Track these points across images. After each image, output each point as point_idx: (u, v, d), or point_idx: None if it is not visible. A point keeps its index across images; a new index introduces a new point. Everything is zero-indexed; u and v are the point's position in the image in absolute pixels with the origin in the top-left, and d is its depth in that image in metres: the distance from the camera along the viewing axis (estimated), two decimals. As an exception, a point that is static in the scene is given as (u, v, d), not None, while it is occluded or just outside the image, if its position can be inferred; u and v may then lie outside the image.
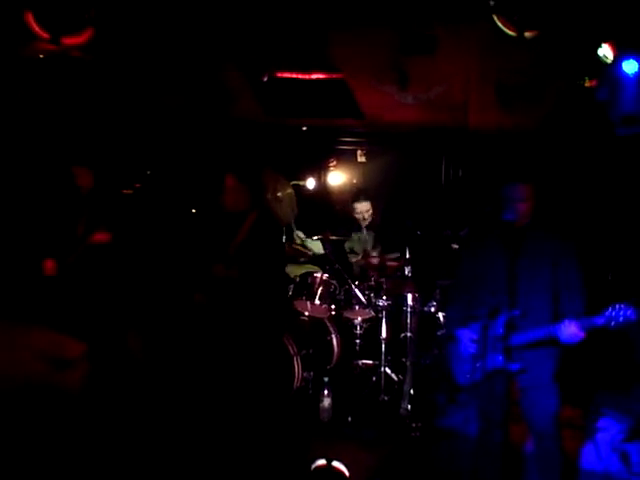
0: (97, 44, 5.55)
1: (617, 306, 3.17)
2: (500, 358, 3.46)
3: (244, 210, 4.70)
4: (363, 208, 5.83)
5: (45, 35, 5.44)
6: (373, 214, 5.88)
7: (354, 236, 5.99)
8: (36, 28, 5.44)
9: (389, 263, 5.57)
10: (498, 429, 3.58)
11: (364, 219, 5.87)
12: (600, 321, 3.21)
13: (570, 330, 3.30)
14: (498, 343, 3.44)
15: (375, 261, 5.60)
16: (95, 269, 4.87)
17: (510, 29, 5.19)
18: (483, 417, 3.74)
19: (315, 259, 6.23)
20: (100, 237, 4.86)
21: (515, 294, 3.44)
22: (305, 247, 6.23)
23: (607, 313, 3.19)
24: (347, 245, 6.04)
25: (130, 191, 5.47)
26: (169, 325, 5.25)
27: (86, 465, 3.84)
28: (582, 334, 3.30)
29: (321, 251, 6.12)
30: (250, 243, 4.61)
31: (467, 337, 3.60)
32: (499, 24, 5.21)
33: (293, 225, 6.28)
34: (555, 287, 3.52)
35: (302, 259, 6.15)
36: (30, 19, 5.40)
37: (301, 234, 6.26)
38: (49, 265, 4.79)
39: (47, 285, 4.82)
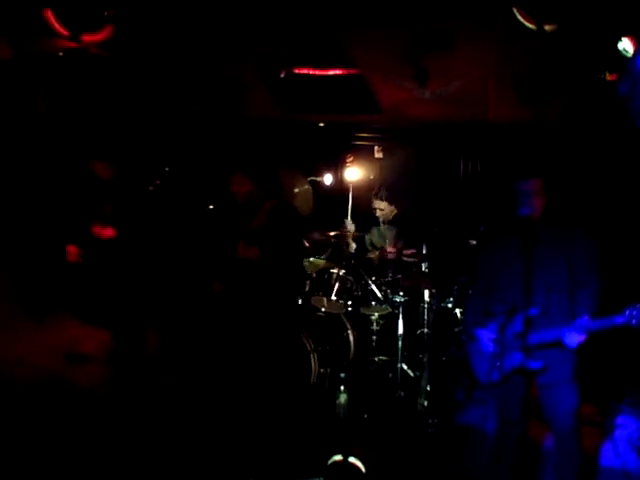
0: (116, 41, 5.60)
1: (638, 305, 3.13)
2: (519, 356, 3.43)
3: (257, 202, 4.76)
4: (379, 206, 5.82)
5: (65, 32, 5.50)
6: (394, 213, 5.86)
7: (374, 230, 5.98)
8: (56, 25, 5.50)
9: (405, 258, 5.56)
10: (516, 427, 3.56)
11: (382, 216, 5.86)
12: (621, 320, 3.17)
13: (572, 337, 3.33)
14: (516, 341, 3.42)
15: (392, 255, 5.59)
16: (115, 262, 4.91)
17: (530, 22, 5.16)
18: (501, 416, 3.72)
19: (332, 255, 6.21)
20: (104, 232, 4.87)
21: (532, 291, 3.41)
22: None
23: (627, 312, 3.14)
24: (367, 238, 6.04)
25: (151, 187, 5.50)
26: (187, 319, 5.29)
27: (98, 459, 3.88)
28: (582, 338, 3.32)
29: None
30: (270, 229, 4.64)
31: (486, 336, 3.57)
32: (519, 17, 5.18)
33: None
34: (572, 283, 3.49)
35: (319, 256, 6.14)
36: (50, 16, 5.47)
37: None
38: (72, 250, 4.83)
39: (71, 272, 4.87)
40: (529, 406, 3.56)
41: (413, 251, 5.59)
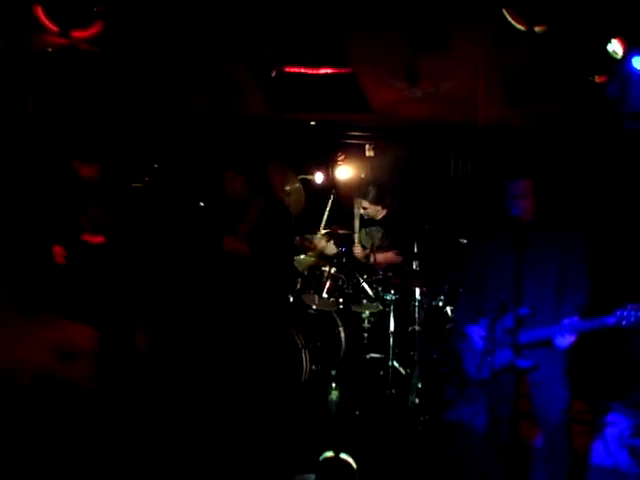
0: (106, 38, 5.57)
1: (628, 306, 3.17)
2: (509, 354, 3.46)
3: (247, 199, 4.78)
4: (362, 205, 5.83)
5: (54, 28, 5.46)
6: (381, 213, 5.87)
7: (362, 230, 5.99)
8: (45, 21, 5.46)
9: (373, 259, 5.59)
10: (506, 425, 3.59)
11: (366, 215, 5.87)
12: (611, 321, 3.21)
13: (563, 338, 3.37)
14: (507, 339, 3.45)
15: (359, 254, 5.67)
16: (104, 260, 4.88)
17: (520, 24, 5.19)
18: (491, 413, 3.75)
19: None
20: (92, 239, 4.80)
21: (522, 290, 3.45)
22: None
23: (618, 313, 3.19)
24: (356, 238, 6.04)
25: (139, 184, 5.48)
26: (177, 317, 5.27)
27: (90, 459, 3.87)
28: (572, 339, 3.37)
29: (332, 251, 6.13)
30: (261, 226, 4.66)
31: (477, 334, 3.60)
32: (509, 18, 5.20)
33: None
34: (562, 283, 3.52)
35: (310, 253, 6.14)
36: (39, 12, 5.43)
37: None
38: (58, 251, 4.79)
39: (57, 272, 4.83)
40: (520, 404, 3.60)
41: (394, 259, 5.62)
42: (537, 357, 3.47)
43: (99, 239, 4.78)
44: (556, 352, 3.49)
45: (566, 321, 3.36)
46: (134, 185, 5.58)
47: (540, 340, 3.45)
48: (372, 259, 5.52)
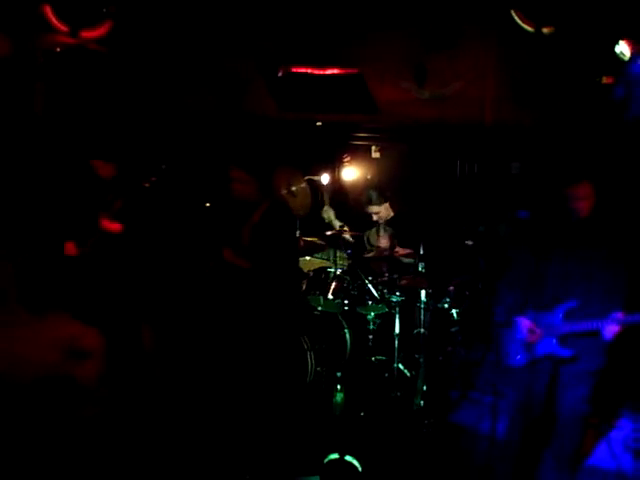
0: (115, 37, 5.60)
1: None
2: (550, 344, 3.49)
3: (254, 201, 4.77)
4: (373, 210, 5.83)
5: (64, 28, 5.49)
6: (391, 214, 5.87)
7: (372, 230, 6.00)
8: (55, 21, 5.49)
9: (402, 258, 5.57)
10: (538, 409, 3.57)
11: (379, 219, 5.87)
12: None
13: (608, 328, 3.37)
14: (551, 330, 3.49)
15: (386, 252, 5.64)
16: (112, 259, 4.90)
17: (528, 25, 5.20)
18: (520, 402, 3.68)
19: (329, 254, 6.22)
20: (110, 226, 4.83)
21: (571, 283, 3.50)
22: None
23: None
24: (365, 238, 6.06)
25: (147, 184, 5.49)
26: (183, 318, 5.29)
27: (95, 458, 3.89)
28: (617, 329, 3.37)
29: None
30: (262, 229, 4.66)
31: (523, 324, 3.60)
32: (517, 20, 5.21)
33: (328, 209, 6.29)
34: (608, 278, 3.53)
35: (317, 254, 6.15)
36: (49, 12, 5.46)
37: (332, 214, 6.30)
38: (69, 246, 4.81)
39: (67, 267, 4.86)
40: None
41: (409, 251, 5.60)
42: (578, 348, 3.47)
43: (117, 226, 4.79)
44: (598, 347, 3.50)
45: (614, 315, 3.36)
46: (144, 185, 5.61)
47: (586, 331, 3.44)
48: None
